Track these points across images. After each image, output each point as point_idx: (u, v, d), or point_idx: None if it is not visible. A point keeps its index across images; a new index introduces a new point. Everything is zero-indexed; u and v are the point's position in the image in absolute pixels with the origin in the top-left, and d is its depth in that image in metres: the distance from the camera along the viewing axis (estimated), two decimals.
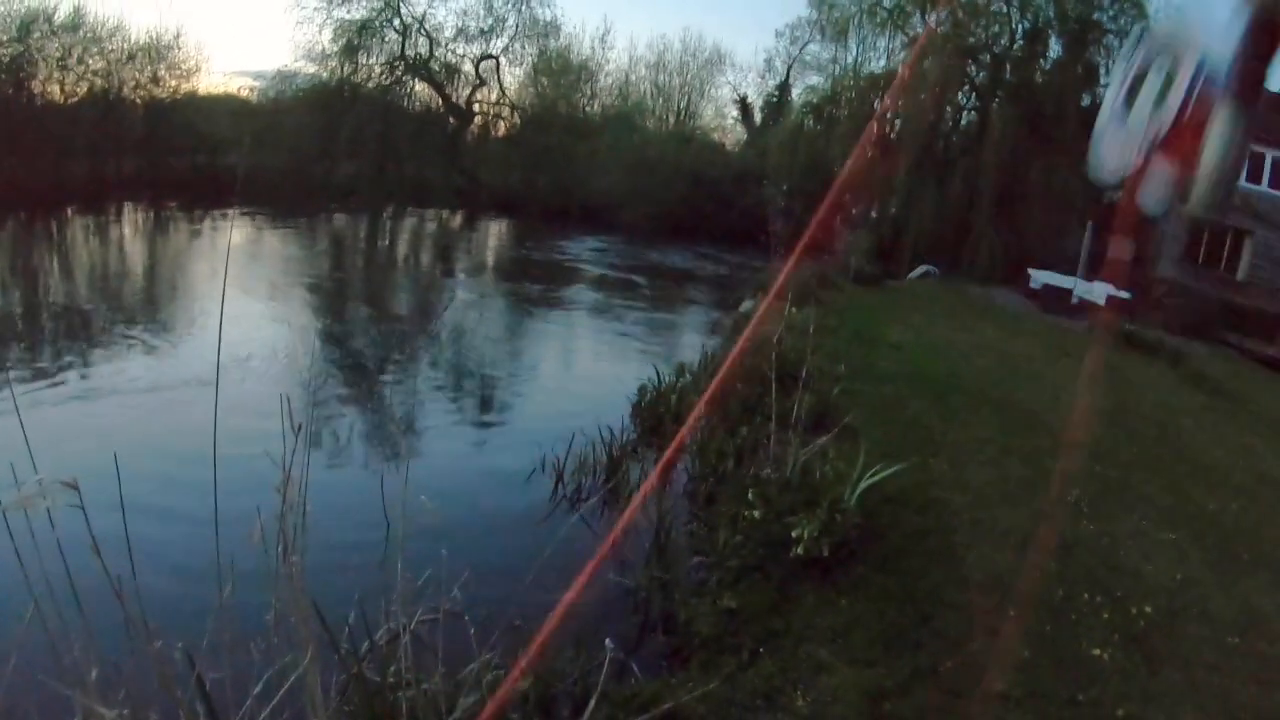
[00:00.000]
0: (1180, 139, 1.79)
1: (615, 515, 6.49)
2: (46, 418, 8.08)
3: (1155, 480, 7.95)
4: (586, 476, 6.95)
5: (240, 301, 13.67)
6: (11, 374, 9.22)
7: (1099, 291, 24.86)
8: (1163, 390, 14.08)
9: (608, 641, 3.78)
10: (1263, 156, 28.48)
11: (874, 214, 26.98)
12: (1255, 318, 26.41)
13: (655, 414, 8.60)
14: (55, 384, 9.38)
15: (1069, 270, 26.08)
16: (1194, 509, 7.14)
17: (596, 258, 26.11)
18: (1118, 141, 1.97)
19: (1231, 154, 1.75)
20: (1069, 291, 25.15)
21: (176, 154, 30.82)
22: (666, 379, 9.51)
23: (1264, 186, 28.70)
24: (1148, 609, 5.14)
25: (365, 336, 13.57)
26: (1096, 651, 4.68)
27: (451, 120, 40.59)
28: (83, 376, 9.78)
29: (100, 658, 2.55)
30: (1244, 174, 29.39)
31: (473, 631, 3.83)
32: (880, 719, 4.11)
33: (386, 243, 28.70)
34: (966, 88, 31.08)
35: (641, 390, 9.19)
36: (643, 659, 4.60)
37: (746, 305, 15.60)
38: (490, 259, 27.48)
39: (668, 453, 7.30)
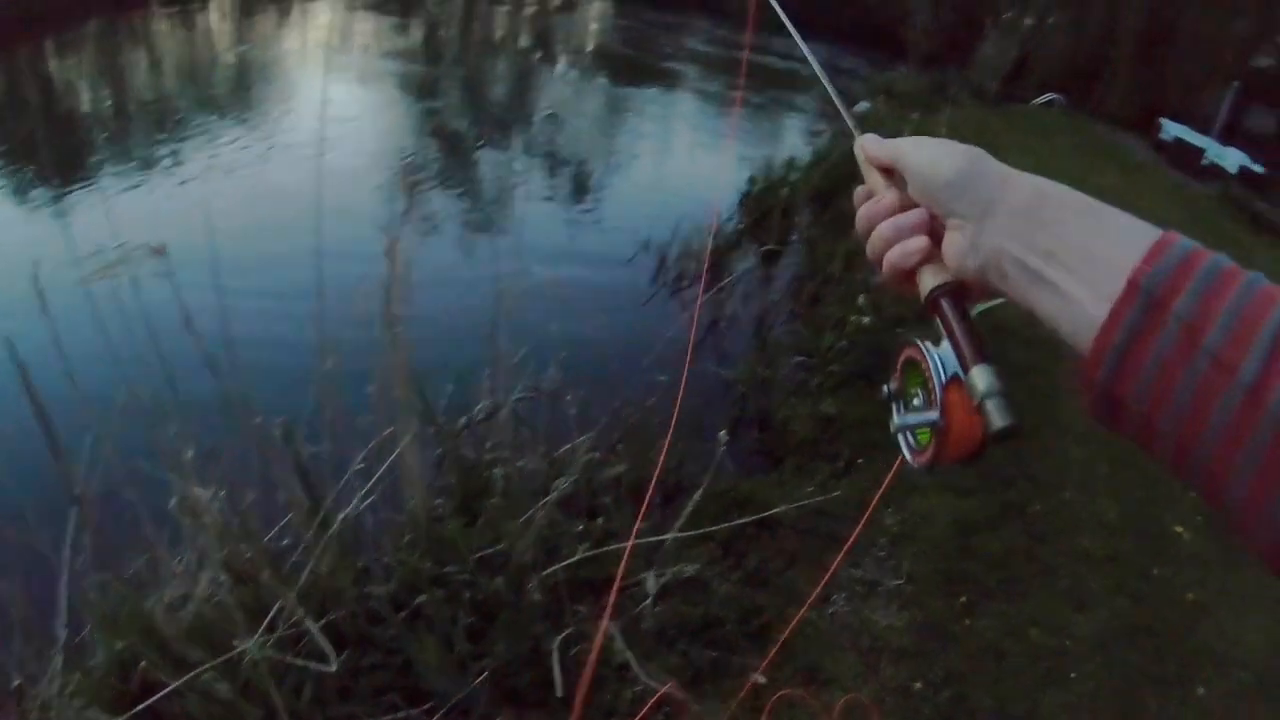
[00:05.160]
0: None
1: (718, 304, 6.37)
2: (140, 198, 7.98)
3: None
4: (690, 262, 6.77)
5: (336, 85, 13.34)
6: (107, 163, 9.17)
7: (1233, 159, 22.93)
8: (1274, 270, 13.19)
9: (722, 434, 3.73)
10: None
11: (1007, 32, 24.97)
12: None
13: (764, 206, 8.33)
14: (149, 167, 9.19)
15: (1203, 129, 24.10)
16: None
17: (706, 46, 24.87)
18: None
19: None
20: (1200, 151, 23.22)
21: None
22: (777, 173, 9.17)
23: None
24: None
25: (464, 118, 13.27)
26: (1179, 529, 4.57)
27: None
28: (177, 160, 9.52)
29: (196, 436, 2.57)
30: None
31: (572, 412, 3.85)
32: (965, 549, 4.08)
33: (482, 22, 27.66)
34: None
35: (752, 180, 8.85)
36: (735, 454, 4.58)
37: (863, 106, 14.77)
38: (592, 42, 26.34)
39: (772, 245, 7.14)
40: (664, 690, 2.61)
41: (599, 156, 11.38)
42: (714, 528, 3.50)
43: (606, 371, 4.55)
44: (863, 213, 0.81)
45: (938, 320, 0.74)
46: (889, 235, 0.77)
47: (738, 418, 5.02)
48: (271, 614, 2.42)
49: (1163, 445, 0.55)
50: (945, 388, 0.71)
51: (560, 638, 2.71)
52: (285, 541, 2.84)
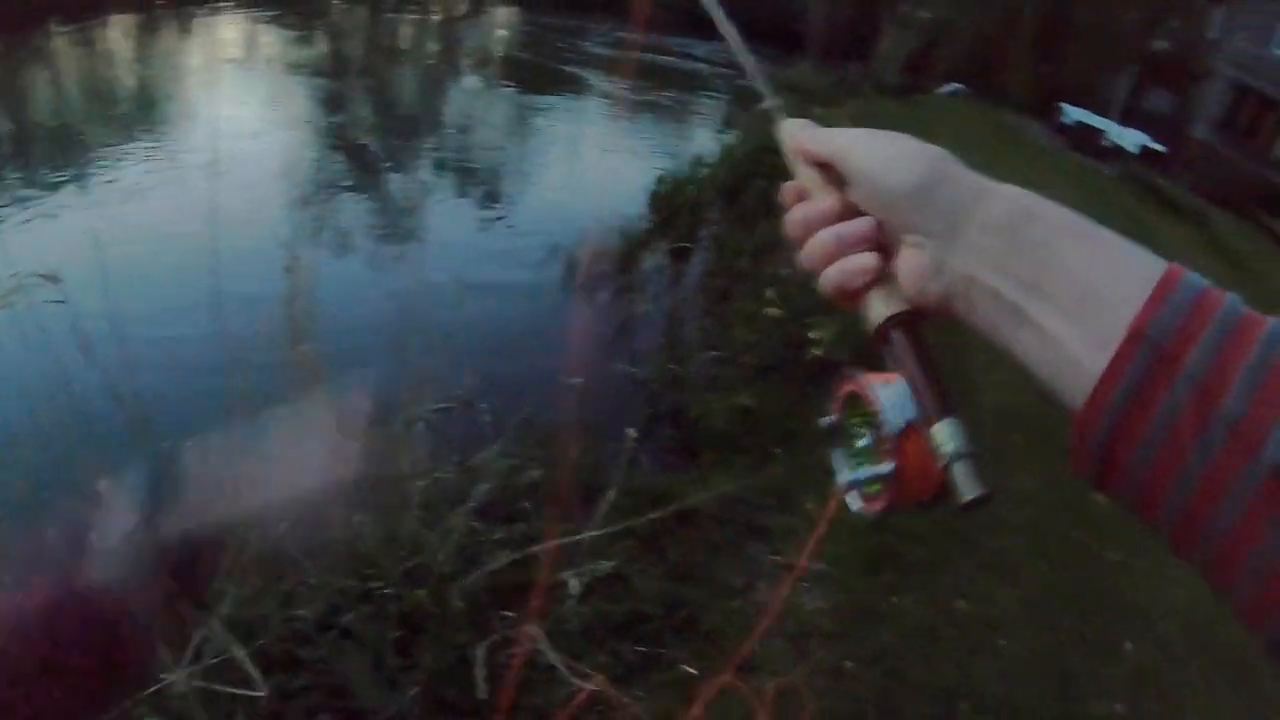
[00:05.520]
0: None
1: (627, 304, 6.42)
2: (35, 224, 7.64)
3: None
4: (599, 264, 6.80)
5: (239, 100, 13.06)
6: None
7: (1133, 139, 24.05)
8: (1183, 251, 13.77)
9: (629, 431, 3.74)
10: None
11: (906, 25, 25.54)
12: None
13: (672, 204, 8.41)
14: (46, 192, 8.80)
15: (1103, 112, 25.11)
16: None
17: (608, 50, 24.94)
18: None
19: None
20: (1101, 133, 24.27)
21: None
22: (684, 171, 9.25)
23: None
24: None
25: (370, 130, 13.08)
26: (1097, 495, 4.74)
27: None
28: (74, 184, 9.14)
29: (102, 465, 2.51)
30: None
31: (486, 419, 3.85)
32: (884, 528, 4.18)
33: (386, 32, 27.33)
34: None
35: (660, 180, 8.92)
36: (652, 451, 4.64)
37: (769, 103, 14.94)
38: (497, 49, 26.20)
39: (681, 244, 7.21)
40: (590, 688, 2.64)
41: (507, 163, 11.36)
42: (630, 523, 3.53)
43: (519, 377, 4.56)
44: (796, 217, 0.68)
45: (887, 354, 0.64)
46: (829, 248, 0.65)
47: (652, 415, 5.06)
48: (196, 643, 2.39)
49: (1164, 518, 0.48)
50: (901, 436, 0.62)
51: (486, 644, 2.73)
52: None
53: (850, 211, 0.65)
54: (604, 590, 3.38)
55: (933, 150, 0.63)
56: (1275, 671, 3.85)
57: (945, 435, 0.57)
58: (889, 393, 0.63)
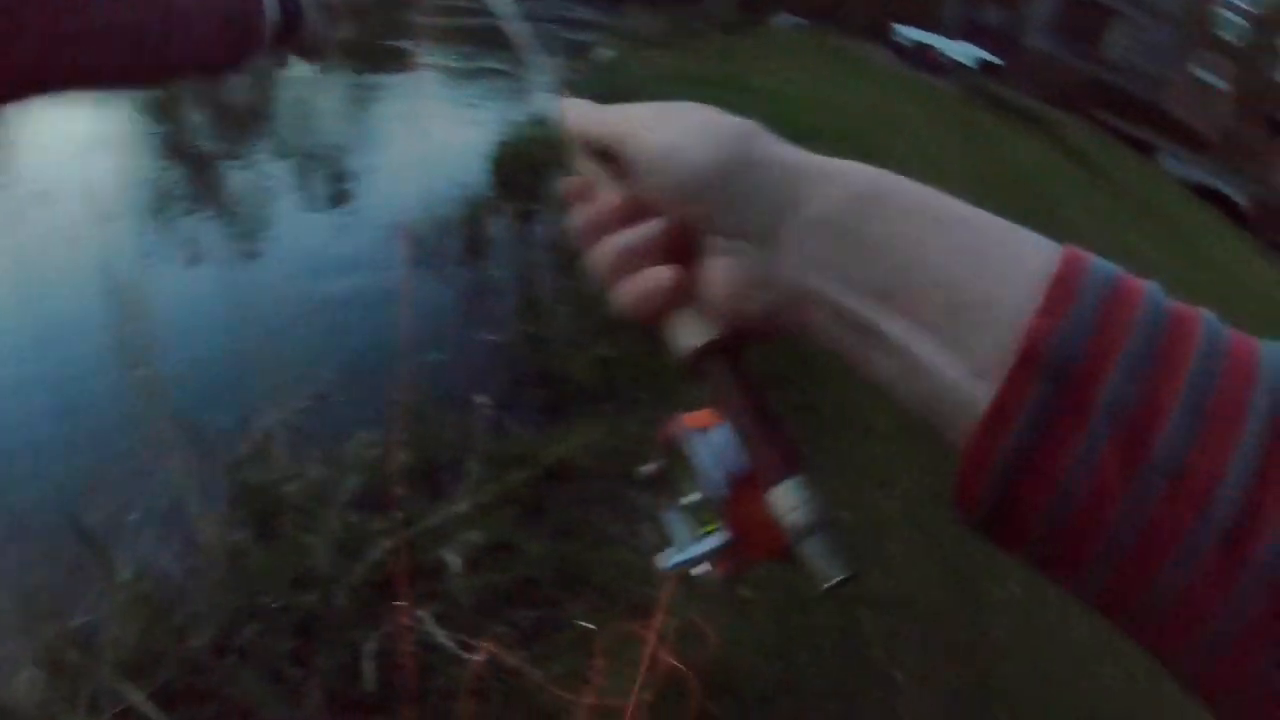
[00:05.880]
0: None
1: (479, 273, 6.41)
2: None
3: None
4: (446, 236, 6.75)
5: (55, 119, 12.27)
6: None
7: (969, 53, 25.00)
8: (1026, 153, 14.33)
9: (478, 398, 3.73)
10: None
11: None
12: (1122, 97, 27.31)
13: (514, 168, 8.34)
14: None
15: (937, 28, 25.89)
16: None
17: (434, 19, 24.23)
18: None
19: None
20: (938, 51, 25.09)
21: None
22: (523, 132, 9.16)
23: None
24: None
25: (199, 133, 12.45)
26: None
27: None
28: None
29: None
30: None
31: (349, 411, 3.84)
32: None
33: None
34: None
35: (500, 144, 8.82)
36: (519, 414, 4.68)
37: (606, 53, 14.84)
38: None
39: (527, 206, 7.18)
40: (480, 658, 2.72)
41: (343, 151, 11.00)
42: (502, 488, 3.59)
43: (378, 363, 4.54)
44: (578, 220, 0.56)
45: (706, 389, 0.51)
46: (617, 260, 0.52)
47: (516, 379, 5.10)
48: (90, 696, 2.37)
49: (1084, 583, 0.38)
50: (730, 499, 0.51)
51: (375, 637, 2.77)
52: (90, 617, 2.76)
53: (640, 211, 0.52)
54: (489, 561, 3.45)
55: (735, 124, 0.50)
56: None
57: (787, 503, 0.45)
58: (708, 446, 0.53)
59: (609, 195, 0.55)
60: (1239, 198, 29.27)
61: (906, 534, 4.27)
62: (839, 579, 0.44)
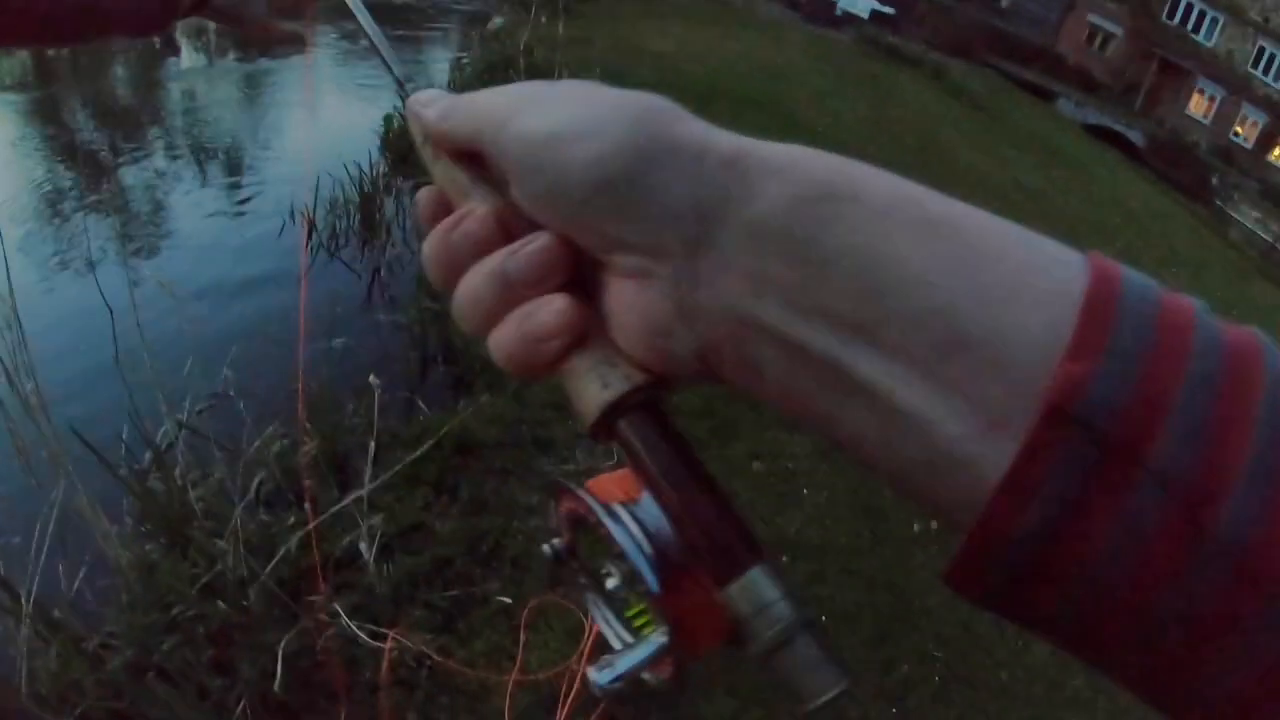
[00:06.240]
0: None
1: (375, 252, 6.37)
2: None
3: (917, 181, 8.47)
4: (340, 219, 6.66)
5: None
6: None
7: (863, 5, 25.31)
8: (925, 102, 14.48)
9: (372, 379, 3.67)
10: None
11: None
12: (1016, 43, 27.98)
13: (406, 143, 8.20)
14: None
15: None
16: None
17: None
18: None
19: None
20: (833, 3, 25.28)
21: None
22: None
23: None
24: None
25: (91, 131, 11.94)
26: None
27: None
28: None
29: None
30: None
31: (249, 408, 3.82)
32: (674, 409, 4.43)
33: None
34: None
35: (388, 120, 8.66)
36: (428, 393, 4.72)
37: (496, 22, 14.57)
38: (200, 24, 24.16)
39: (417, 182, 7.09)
40: (387, 646, 2.78)
41: (233, 138, 10.67)
42: (404, 469, 3.62)
43: (279, 355, 4.51)
44: (435, 244, 0.43)
45: (628, 458, 0.40)
46: (491, 296, 0.40)
47: (421, 357, 5.12)
48: None
49: (1119, 662, 0.32)
50: (664, 592, 0.40)
51: (295, 636, 2.80)
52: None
53: (517, 225, 0.41)
54: (403, 545, 3.50)
55: (638, 102, 0.38)
56: None
57: (751, 603, 0.36)
58: (628, 530, 0.41)
59: (476, 208, 0.42)
60: (1134, 137, 30.31)
61: (821, 479, 4.41)
62: (833, 693, 0.35)
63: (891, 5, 26.72)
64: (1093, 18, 35.12)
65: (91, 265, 6.15)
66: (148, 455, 3.45)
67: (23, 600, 2.52)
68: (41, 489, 2.83)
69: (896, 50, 20.17)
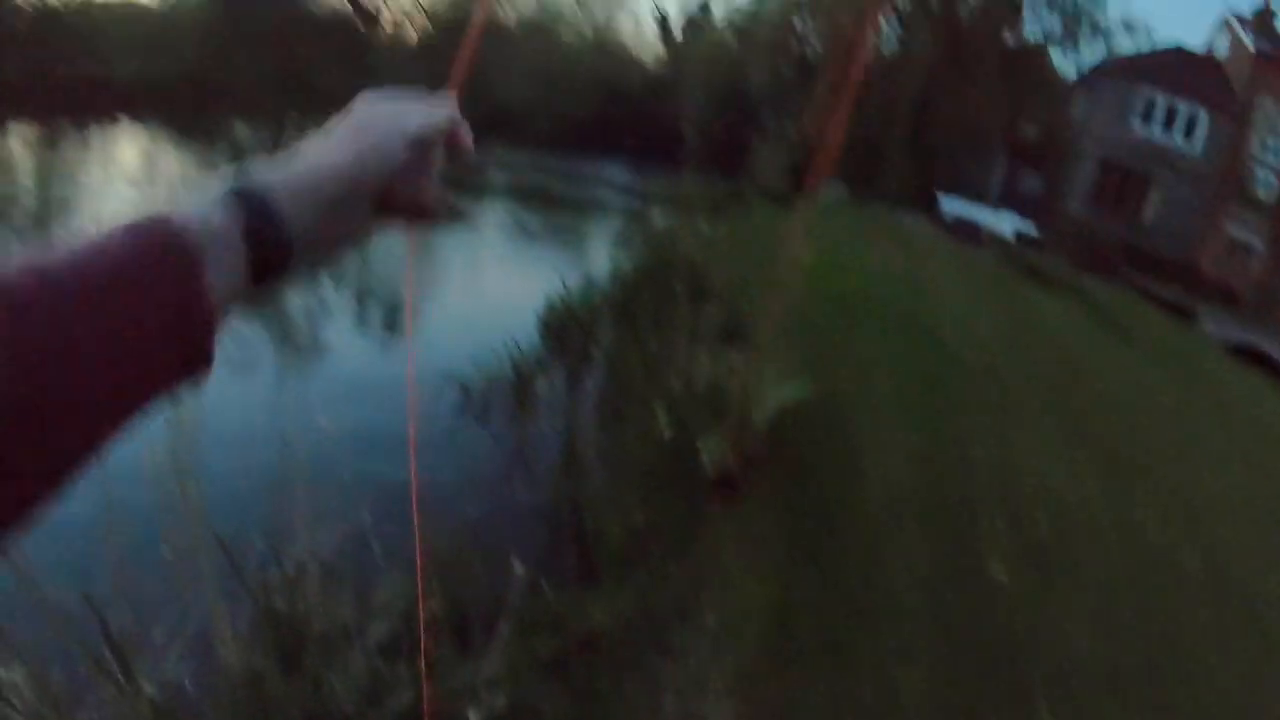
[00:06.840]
0: None
1: (523, 430, 6.47)
2: None
3: (1054, 402, 8.29)
4: (494, 392, 6.84)
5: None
6: None
7: (1008, 225, 25.89)
8: (1063, 322, 14.45)
9: (516, 564, 3.66)
10: (1175, 108, 29.94)
11: (790, 133, 26.74)
12: (1155, 261, 28.06)
13: (563, 327, 8.53)
14: None
15: (979, 198, 26.78)
16: (1089, 429, 7.46)
17: (505, 168, 25.47)
18: None
19: None
20: (979, 227, 25.98)
21: (67, 62, 28.38)
22: (575, 293, 9.42)
23: (1172, 136, 30.17)
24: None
25: None
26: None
27: (359, 25, 38.86)
28: None
29: None
30: (1153, 121, 31.13)
31: (380, 554, 3.82)
32: (788, 634, 4.23)
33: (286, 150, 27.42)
34: (891, 14, 30.97)
35: (549, 305, 9.05)
36: (553, 575, 4.63)
37: (658, 220, 15.35)
38: None
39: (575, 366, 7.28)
40: None
41: (403, 299, 11.29)
42: (530, 651, 3.51)
43: (419, 511, 4.54)
44: None
45: None
46: None
47: (551, 539, 5.08)
48: None
49: None
50: None
51: None
52: None
53: None
54: None
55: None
56: None
57: None
58: None
59: None
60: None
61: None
62: None
63: (1038, 221, 26.85)
64: (1232, 229, 34.14)
65: (251, 372, 6.42)
66: (277, 573, 3.45)
67: (136, 677, 2.48)
68: (178, 580, 2.85)
69: (1035, 268, 20.10)
